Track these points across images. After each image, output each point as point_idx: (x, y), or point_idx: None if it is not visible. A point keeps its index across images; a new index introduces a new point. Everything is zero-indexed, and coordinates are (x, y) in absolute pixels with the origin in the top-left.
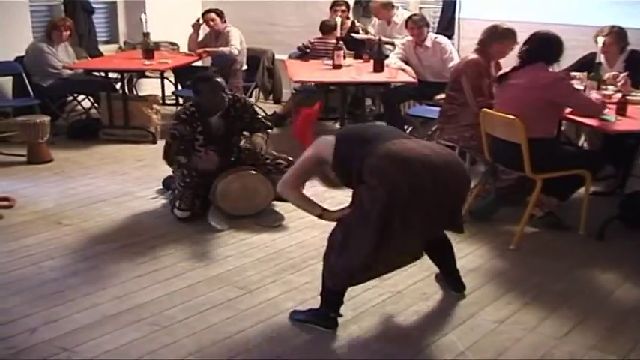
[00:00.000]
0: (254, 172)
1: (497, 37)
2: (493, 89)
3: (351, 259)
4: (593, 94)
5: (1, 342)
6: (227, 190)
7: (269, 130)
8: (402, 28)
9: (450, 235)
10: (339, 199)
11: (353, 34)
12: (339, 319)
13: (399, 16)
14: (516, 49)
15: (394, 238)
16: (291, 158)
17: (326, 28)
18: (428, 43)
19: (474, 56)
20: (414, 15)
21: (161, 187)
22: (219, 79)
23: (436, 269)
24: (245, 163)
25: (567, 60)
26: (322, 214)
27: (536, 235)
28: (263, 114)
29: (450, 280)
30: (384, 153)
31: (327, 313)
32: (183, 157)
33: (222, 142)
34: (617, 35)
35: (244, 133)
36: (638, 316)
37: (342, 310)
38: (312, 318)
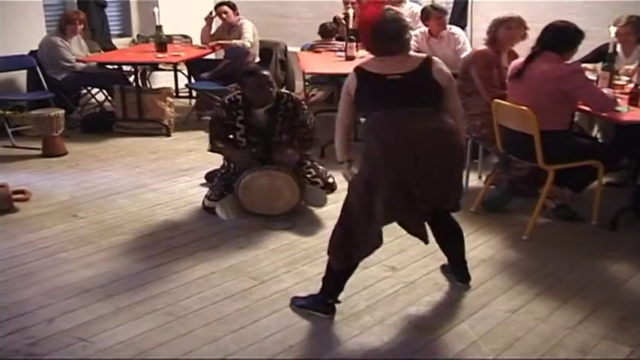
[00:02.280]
0: (287, 174)
1: (501, 23)
2: (506, 81)
3: (346, 234)
4: (605, 91)
5: (20, 332)
6: (252, 183)
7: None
8: (410, 22)
9: (461, 225)
10: None
11: None
12: (355, 309)
13: (407, 10)
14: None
15: (376, 209)
16: (330, 180)
17: (325, 31)
18: (443, 33)
19: (483, 47)
20: (433, 5)
21: (204, 180)
22: (265, 73)
23: None
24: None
25: (581, 51)
26: (345, 163)
27: (548, 225)
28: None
29: (457, 270)
30: (372, 123)
31: (325, 300)
32: (219, 142)
33: (263, 137)
34: (635, 25)
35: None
36: None
37: (356, 300)
38: (311, 304)
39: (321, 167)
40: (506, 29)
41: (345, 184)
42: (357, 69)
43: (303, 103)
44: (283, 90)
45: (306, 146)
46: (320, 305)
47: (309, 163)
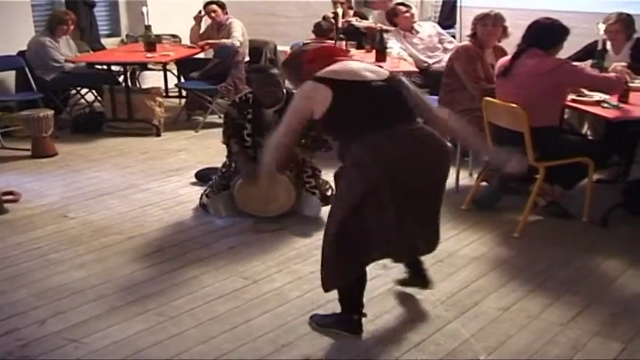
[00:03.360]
0: (284, 179)
1: (478, 20)
2: (490, 75)
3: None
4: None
5: (11, 334)
6: (250, 183)
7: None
8: None
9: (453, 223)
10: None
11: (354, 23)
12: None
13: None
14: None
15: (363, 228)
16: (328, 194)
17: (320, 31)
18: (416, 27)
19: (465, 43)
20: (399, 2)
21: (194, 179)
22: (274, 72)
23: (441, 257)
24: (288, 166)
25: (570, 48)
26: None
27: (539, 222)
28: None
29: (417, 275)
30: (371, 145)
31: (349, 317)
32: (235, 144)
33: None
34: (625, 23)
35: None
36: None
37: None
38: (336, 324)
39: (322, 179)
40: (482, 26)
41: None
42: (326, 80)
43: None
44: (295, 91)
45: (318, 147)
46: (345, 324)
47: (310, 171)
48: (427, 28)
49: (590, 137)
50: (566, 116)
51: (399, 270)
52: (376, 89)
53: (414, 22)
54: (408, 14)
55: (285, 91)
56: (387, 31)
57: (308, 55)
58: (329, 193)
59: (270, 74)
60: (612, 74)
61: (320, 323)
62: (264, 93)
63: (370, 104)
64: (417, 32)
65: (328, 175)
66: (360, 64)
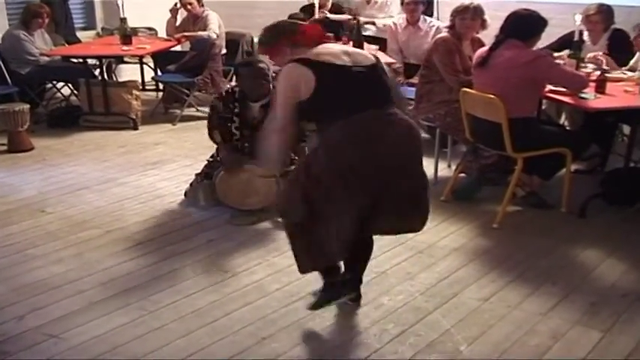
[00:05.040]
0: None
1: (457, 13)
2: (469, 67)
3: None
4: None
5: None
6: (232, 175)
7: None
8: (383, 7)
9: (432, 214)
10: None
11: (329, 15)
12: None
13: None
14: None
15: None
16: None
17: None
18: (421, 24)
19: (444, 34)
20: None
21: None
22: (262, 66)
23: (421, 248)
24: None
25: (547, 39)
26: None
27: (518, 213)
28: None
29: (353, 286)
30: (340, 130)
31: (328, 283)
32: (218, 135)
33: (257, 132)
34: (605, 14)
35: None
36: (620, 291)
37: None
38: (324, 297)
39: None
40: (460, 19)
41: None
42: (308, 62)
43: None
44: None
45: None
46: (329, 292)
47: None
48: (433, 30)
49: (567, 128)
50: (543, 107)
51: (377, 262)
52: (356, 74)
53: (417, 19)
54: (407, 7)
55: (271, 85)
56: (369, 22)
57: (302, 27)
58: None
59: (258, 67)
60: (583, 72)
61: (318, 304)
62: (252, 86)
63: (350, 88)
64: (420, 29)
65: None
66: (342, 46)
